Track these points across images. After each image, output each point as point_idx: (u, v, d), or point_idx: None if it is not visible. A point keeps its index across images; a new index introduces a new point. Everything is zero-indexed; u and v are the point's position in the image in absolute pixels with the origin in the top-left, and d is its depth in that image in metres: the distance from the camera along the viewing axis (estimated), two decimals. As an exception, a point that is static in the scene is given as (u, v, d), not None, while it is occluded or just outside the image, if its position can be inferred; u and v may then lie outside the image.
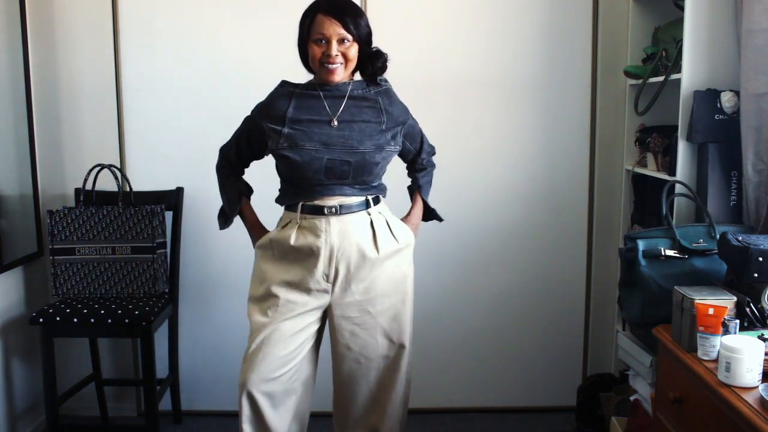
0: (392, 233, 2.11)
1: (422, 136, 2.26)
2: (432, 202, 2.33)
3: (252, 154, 2.16)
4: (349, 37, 1.95)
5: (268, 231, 2.15)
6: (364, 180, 2.04)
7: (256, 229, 2.19)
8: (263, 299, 2.06)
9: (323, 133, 1.99)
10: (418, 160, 2.28)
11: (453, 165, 2.94)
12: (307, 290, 2.04)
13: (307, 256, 2.03)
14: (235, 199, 2.21)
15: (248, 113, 2.14)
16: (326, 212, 2.02)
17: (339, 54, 1.95)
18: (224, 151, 2.22)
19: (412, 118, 2.19)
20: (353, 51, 1.98)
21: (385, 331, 2.11)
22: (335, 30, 1.94)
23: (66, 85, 2.93)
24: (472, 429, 2.98)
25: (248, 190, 2.26)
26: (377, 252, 2.06)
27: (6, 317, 2.77)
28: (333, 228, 2.02)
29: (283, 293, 2.04)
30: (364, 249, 2.04)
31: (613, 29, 2.90)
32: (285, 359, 2.04)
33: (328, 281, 2.04)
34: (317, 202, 2.03)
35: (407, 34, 2.88)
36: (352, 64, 2.01)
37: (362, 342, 2.10)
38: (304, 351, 2.08)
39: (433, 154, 2.35)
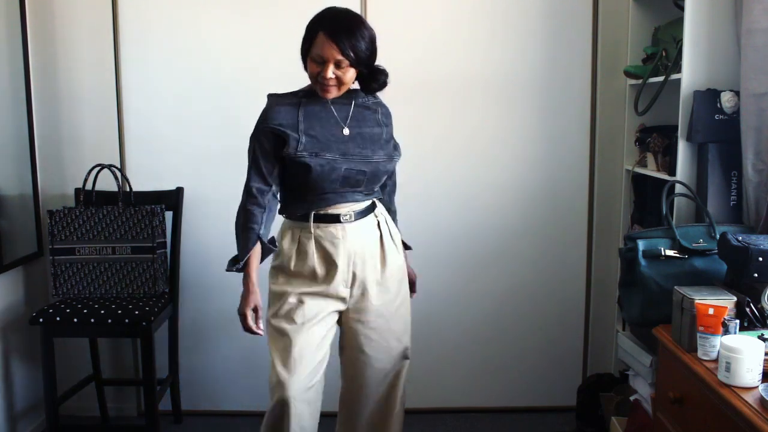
0: (390, 233, 2.16)
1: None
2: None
3: (276, 160, 2.00)
4: (347, 62, 1.91)
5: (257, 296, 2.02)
6: (373, 187, 2.09)
7: (250, 293, 2.00)
8: (288, 310, 2.01)
9: (339, 142, 1.99)
10: (385, 190, 2.24)
11: (453, 165, 2.95)
12: (327, 297, 2.04)
13: (326, 265, 2.02)
14: (254, 237, 2.01)
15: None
16: (342, 220, 2.03)
17: (334, 77, 1.93)
18: (246, 184, 2.03)
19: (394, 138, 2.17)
20: (349, 75, 1.95)
21: (396, 333, 2.15)
22: (332, 54, 1.89)
23: (66, 85, 2.93)
24: (472, 429, 2.98)
25: (268, 236, 2.07)
26: (385, 254, 2.10)
27: (6, 317, 2.77)
28: (348, 234, 2.03)
29: (308, 299, 2.02)
30: (375, 252, 2.09)
31: (613, 29, 2.90)
32: (318, 367, 2.03)
33: (346, 287, 2.05)
34: (331, 211, 2.03)
35: (407, 34, 2.88)
36: (347, 87, 1.99)
37: (376, 345, 2.12)
38: (328, 356, 2.09)
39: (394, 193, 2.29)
